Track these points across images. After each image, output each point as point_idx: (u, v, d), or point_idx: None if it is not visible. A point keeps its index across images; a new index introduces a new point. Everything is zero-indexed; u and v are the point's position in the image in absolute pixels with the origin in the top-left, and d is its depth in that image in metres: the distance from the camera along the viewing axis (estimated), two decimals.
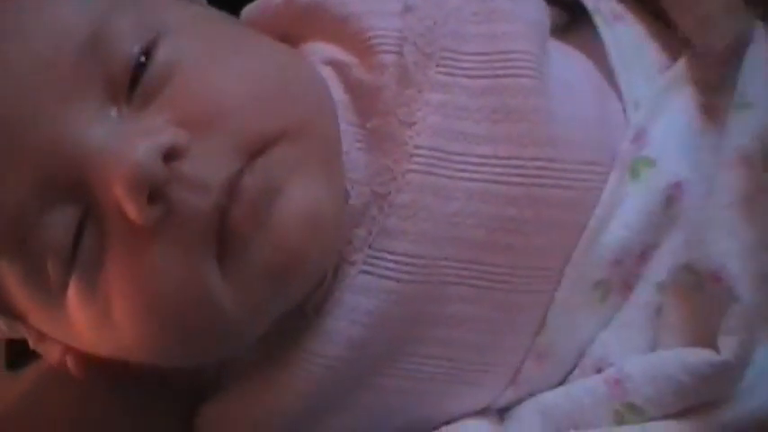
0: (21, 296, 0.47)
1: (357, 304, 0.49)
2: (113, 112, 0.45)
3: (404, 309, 0.49)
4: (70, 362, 0.52)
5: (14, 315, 0.50)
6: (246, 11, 0.56)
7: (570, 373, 0.52)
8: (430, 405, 0.51)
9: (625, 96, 0.53)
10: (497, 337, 0.50)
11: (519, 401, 0.52)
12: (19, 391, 0.60)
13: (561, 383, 0.51)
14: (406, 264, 0.49)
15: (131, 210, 0.43)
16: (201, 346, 0.48)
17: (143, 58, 0.46)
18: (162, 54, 0.46)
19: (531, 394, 0.51)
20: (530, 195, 0.49)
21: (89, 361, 0.51)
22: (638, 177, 0.51)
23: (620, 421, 0.48)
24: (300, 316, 0.50)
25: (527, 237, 0.49)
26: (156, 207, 0.43)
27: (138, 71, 0.46)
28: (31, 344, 0.52)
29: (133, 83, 0.46)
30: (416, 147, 0.49)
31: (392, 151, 0.50)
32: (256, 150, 0.45)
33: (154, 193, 0.43)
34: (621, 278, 0.51)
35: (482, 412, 0.52)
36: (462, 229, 0.49)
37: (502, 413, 0.52)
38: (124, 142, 0.43)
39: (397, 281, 0.49)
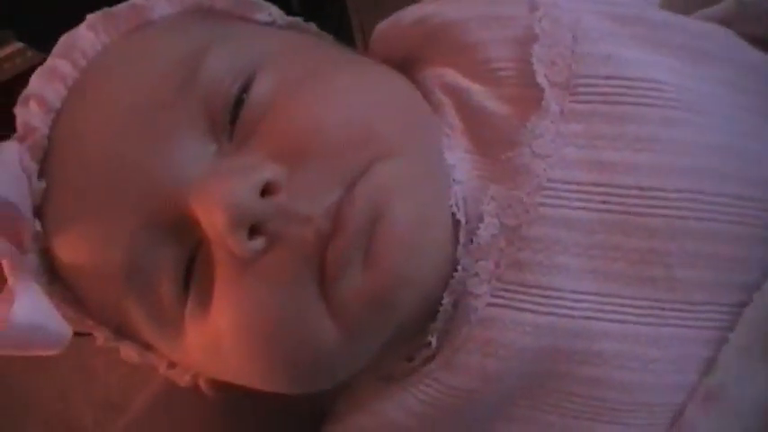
0: (143, 327, 0.49)
1: (491, 338, 0.48)
2: (213, 149, 0.47)
3: (542, 342, 0.47)
4: (203, 384, 0.54)
5: (144, 345, 0.52)
6: (379, 28, 0.56)
7: None
8: None
9: None
10: (649, 376, 0.48)
11: None
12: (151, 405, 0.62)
13: None
14: (542, 296, 0.47)
15: (233, 245, 0.44)
16: (307, 374, 0.48)
17: (242, 95, 0.47)
18: (260, 88, 0.47)
19: None
20: (671, 227, 0.47)
21: (220, 384, 0.53)
22: None
23: None
24: (422, 346, 0.50)
25: (670, 269, 0.47)
26: (257, 241, 0.44)
27: (237, 108, 0.47)
28: (162, 371, 0.54)
29: (233, 119, 0.47)
30: (550, 180, 0.48)
31: (524, 184, 0.48)
32: (355, 176, 0.45)
33: (255, 228, 0.44)
34: None
35: None
36: (601, 263, 0.47)
37: None
38: (223, 178, 0.45)
39: (533, 312, 0.47)
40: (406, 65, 0.54)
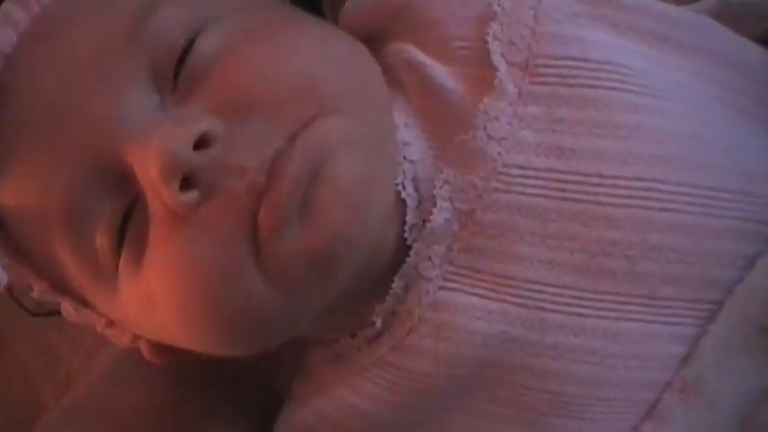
0: (81, 281, 0.48)
1: (442, 321, 0.47)
2: (156, 101, 0.46)
3: (494, 328, 0.47)
4: (143, 347, 0.53)
5: (81, 300, 0.51)
6: (347, 4, 0.54)
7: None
8: None
9: None
10: (607, 371, 0.47)
11: None
12: (98, 375, 0.61)
13: None
14: (495, 283, 0.47)
15: (165, 196, 0.43)
16: (241, 332, 0.47)
17: (188, 48, 0.46)
18: (205, 43, 0.46)
19: None
20: (632, 217, 0.46)
21: (161, 348, 0.52)
22: None
23: None
24: (368, 325, 0.49)
25: (631, 262, 0.46)
26: (190, 193, 0.43)
27: (182, 62, 0.46)
28: (99, 328, 0.52)
29: (177, 73, 0.46)
30: (505, 164, 0.47)
31: (478, 167, 0.47)
32: (297, 130, 0.44)
33: (188, 180, 0.43)
34: None
35: None
36: (558, 253, 0.46)
37: None
38: (159, 130, 0.44)
39: (484, 298, 0.47)
40: (372, 41, 0.53)
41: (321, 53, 0.48)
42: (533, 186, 0.47)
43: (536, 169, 0.47)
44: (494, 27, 0.49)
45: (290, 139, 0.44)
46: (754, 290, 0.46)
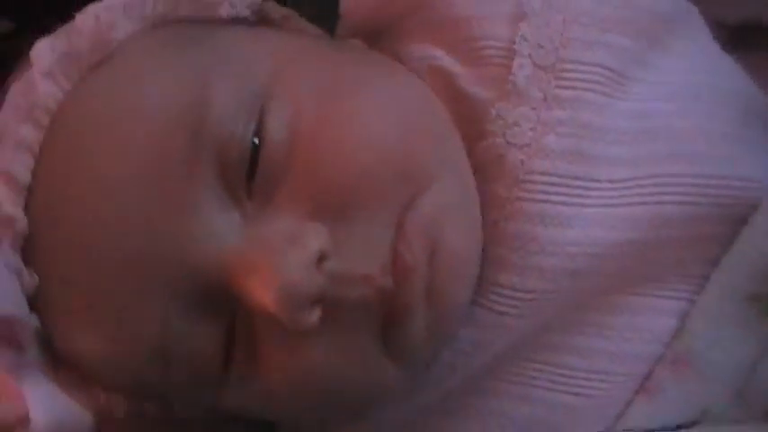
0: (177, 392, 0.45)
1: (463, 335, 0.47)
2: (236, 213, 0.42)
3: (509, 340, 0.47)
4: None
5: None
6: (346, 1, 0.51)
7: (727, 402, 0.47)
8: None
9: None
10: (604, 343, 0.47)
11: (661, 418, 0.48)
12: None
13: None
14: (512, 298, 0.46)
15: (287, 323, 0.40)
16: (366, 407, 0.47)
17: (256, 140, 0.42)
18: (274, 125, 0.42)
19: (672, 412, 0.47)
20: (650, 216, 0.46)
21: None
22: None
23: None
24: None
25: (643, 255, 0.46)
26: (312, 314, 0.41)
27: (255, 157, 0.42)
28: None
29: (251, 170, 0.42)
30: (527, 172, 0.46)
31: (499, 176, 0.46)
32: (401, 214, 0.42)
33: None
34: None
35: None
36: (579, 261, 0.46)
37: None
38: (266, 253, 0.40)
39: (500, 314, 0.46)
40: (382, 35, 0.50)
41: (402, 118, 0.45)
42: (555, 194, 0.46)
43: (560, 176, 0.46)
44: (523, 28, 0.47)
45: (398, 226, 0.42)
46: (740, 258, 0.47)
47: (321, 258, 0.41)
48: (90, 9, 0.45)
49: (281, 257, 0.40)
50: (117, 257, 0.41)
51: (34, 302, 0.43)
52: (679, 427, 0.47)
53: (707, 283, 0.47)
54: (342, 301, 0.41)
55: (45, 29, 0.45)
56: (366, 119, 0.44)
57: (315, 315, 0.41)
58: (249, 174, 0.42)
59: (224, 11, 0.49)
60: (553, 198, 0.46)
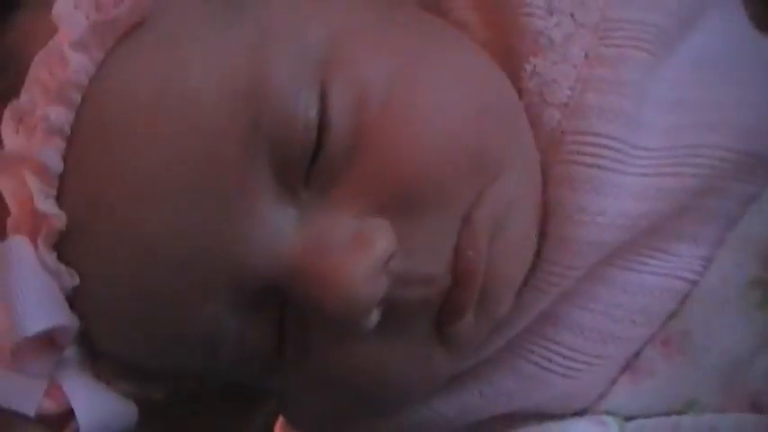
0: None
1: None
2: (292, 207, 0.40)
3: (519, 316, 0.46)
4: None
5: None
6: None
7: (714, 390, 0.46)
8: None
9: None
10: (603, 320, 0.46)
11: (645, 401, 0.46)
12: None
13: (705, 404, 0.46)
14: (545, 272, 0.45)
15: (351, 326, 0.40)
16: (422, 396, 0.47)
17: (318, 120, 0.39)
18: (337, 111, 0.39)
19: (656, 399, 0.46)
20: (682, 186, 0.45)
21: None
22: None
23: None
24: None
25: (657, 224, 0.45)
26: (372, 316, 0.40)
27: (318, 144, 0.40)
28: None
29: (312, 159, 0.40)
30: (564, 132, 0.44)
31: (536, 138, 0.44)
32: (467, 209, 0.41)
33: None
34: None
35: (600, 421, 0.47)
36: (606, 234, 0.44)
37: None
38: (332, 255, 0.39)
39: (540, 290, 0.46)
40: None
41: (478, 100, 0.43)
42: (599, 157, 0.44)
43: (602, 136, 0.44)
44: None
45: (464, 221, 0.41)
46: (746, 239, 0.46)
47: (388, 259, 0.40)
48: None
49: (346, 260, 0.39)
50: (168, 257, 0.39)
51: (73, 301, 0.41)
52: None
53: (711, 264, 0.46)
54: (401, 302, 0.41)
55: None
56: (441, 102, 0.42)
57: (376, 316, 0.40)
58: (310, 163, 0.40)
59: None
60: (588, 160, 0.44)
